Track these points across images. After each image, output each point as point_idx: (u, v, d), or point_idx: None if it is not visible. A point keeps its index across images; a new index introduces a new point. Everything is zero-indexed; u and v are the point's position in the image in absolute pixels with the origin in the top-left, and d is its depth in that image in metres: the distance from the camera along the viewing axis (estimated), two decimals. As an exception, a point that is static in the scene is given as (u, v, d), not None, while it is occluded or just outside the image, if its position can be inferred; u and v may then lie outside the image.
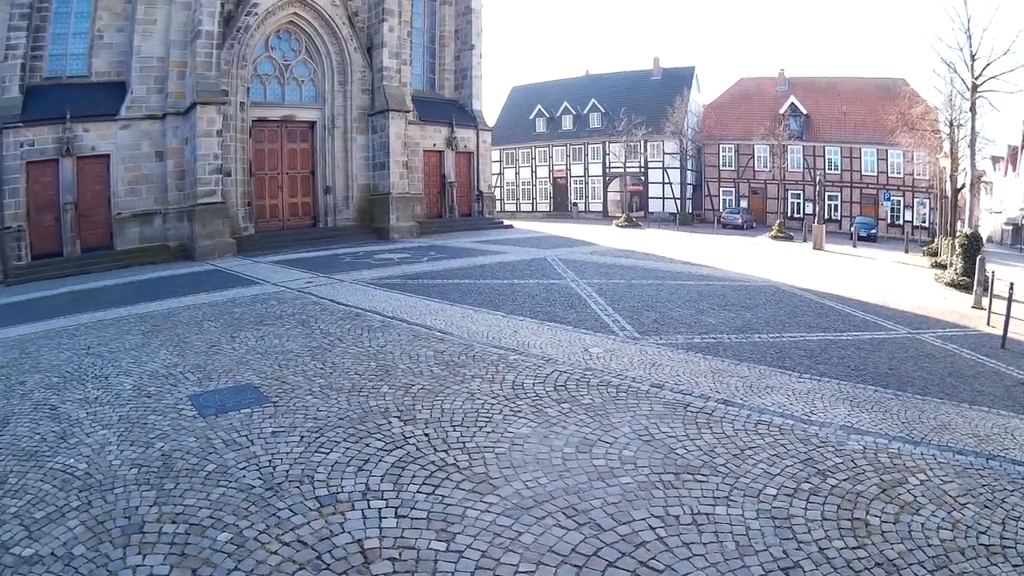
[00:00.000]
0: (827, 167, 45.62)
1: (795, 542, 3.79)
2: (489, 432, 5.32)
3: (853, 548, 3.75)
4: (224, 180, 23.41)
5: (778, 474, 4.59)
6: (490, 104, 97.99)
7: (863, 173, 45.58)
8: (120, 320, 11.32)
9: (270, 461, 4.94)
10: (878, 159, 45.21)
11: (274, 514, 4.17)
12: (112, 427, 5.84)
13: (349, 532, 3.96)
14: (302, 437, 5.35)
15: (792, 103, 47.48)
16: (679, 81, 52.92)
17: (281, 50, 26.06)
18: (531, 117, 59.30)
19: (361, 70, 26.62)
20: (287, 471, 4.75)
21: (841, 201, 46.20)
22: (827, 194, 42.90)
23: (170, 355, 8.39)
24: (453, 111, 30.94)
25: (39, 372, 8.05)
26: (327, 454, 5.04)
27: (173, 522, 4.12)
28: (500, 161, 57.62)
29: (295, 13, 25.67)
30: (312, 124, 26.63)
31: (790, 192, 46.69)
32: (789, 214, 44.38)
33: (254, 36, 24.84)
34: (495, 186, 46.43)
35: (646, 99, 51.48)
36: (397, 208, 26.27)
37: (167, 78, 23.70)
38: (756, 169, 48.85)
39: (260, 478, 4.65)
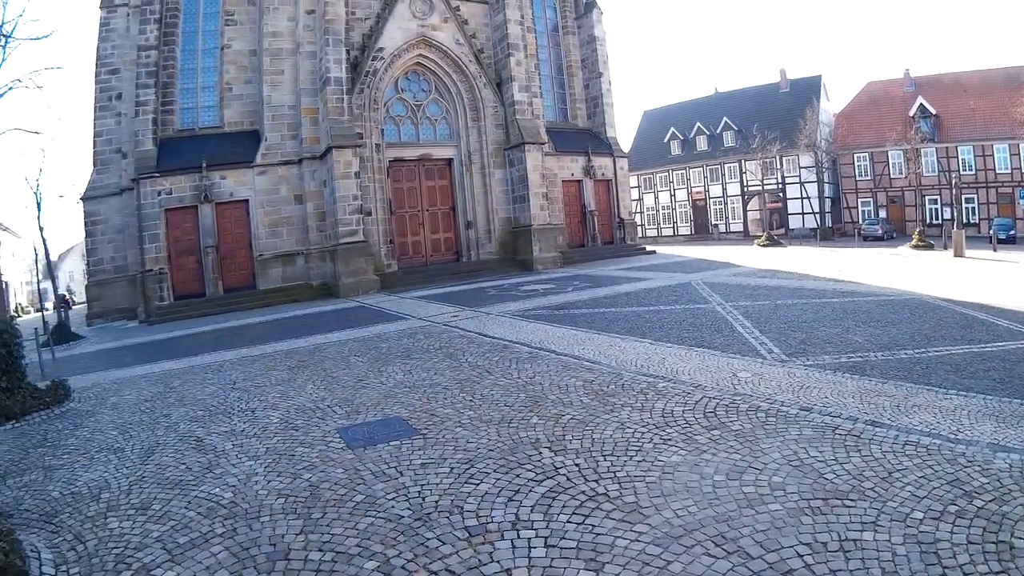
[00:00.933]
0: (961, 168, 44.47)
1: (940, 567, 3.68)
2: (639, 461, 5.39)
3: (996, 573, 3.60)
4: (365, 219, 23.17)
5: (925, 497, 4.55)
6: (623, 129, 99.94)
7: (997, 171, 43.87)
8: (265, 356, 11.79)
9: (419, 492, 5.01)
10: (1011, 155, 43.60)
11: (422, 543, 4.21)
12: (259, 458, 6.03)
13: (498, 561, 3.96)
14: (452, 468, 5.42)
15: (921, 104, 46.97)
16: (808, 91, 53.38)
17: (411, 91, 26.31)
18: (665, 140, 60.80)
19: (493, 105, 26.61)
20: (436, 501, 4.80)
21: (978, 203, 44.52)
22: (963, 196, 41.70)
23: (317, 390, 8.69)
24: (588, 140, 30.80)
25: (184, 406, 8.45)
26: (477, 485, 5.07)
27: (320, 550, 4.20)
28: (638, 187, 59.26)
29: (421, 55, 26.24)
30: (449, 161, 26.58)
31: (927, 198, 45.25)
32: (927, 220, 42.74)
33: (383, 79, 25.14)
34: (635, 212, 46.28)
35: (777, 113, 52.27)
36: (539, 239, 25.59)
37: (300, 125, 24.26)
38: (892, 177, 48.09)
39: (409, 508, 4.71)
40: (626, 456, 5.52)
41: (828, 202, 49.72)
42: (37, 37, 25.04)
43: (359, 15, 25.86)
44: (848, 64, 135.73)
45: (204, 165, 22.70)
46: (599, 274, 22.34)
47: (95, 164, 24.67)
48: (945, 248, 30.00)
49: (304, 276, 23.68)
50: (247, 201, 23.39)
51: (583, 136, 30.73)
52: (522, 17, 28.30)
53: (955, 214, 30.65)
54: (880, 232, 41.35)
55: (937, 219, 43.35)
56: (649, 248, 32.70)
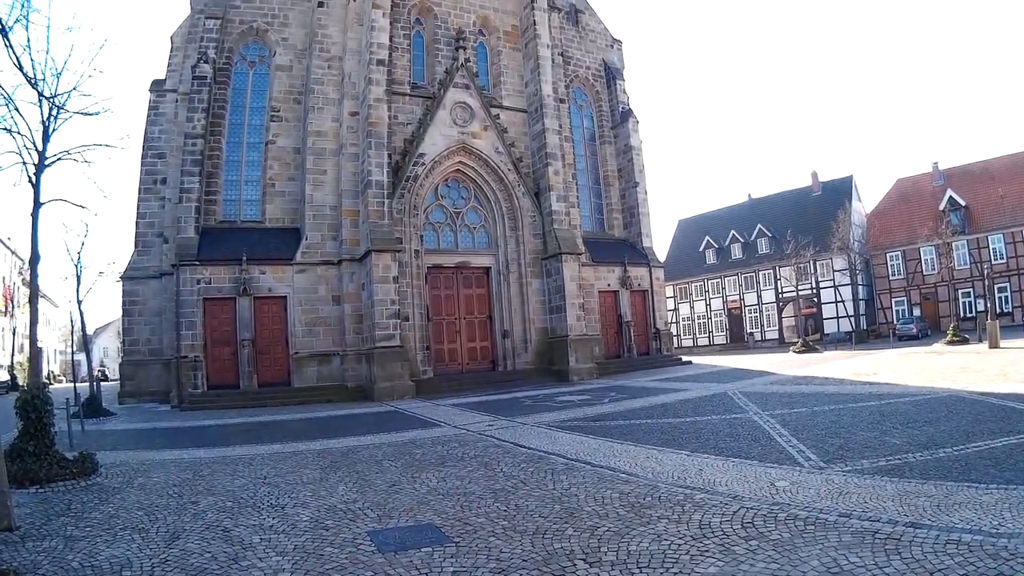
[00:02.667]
0: (992, 257, 48.05)
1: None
2: (676, 573, 5.70)
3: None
4: (402, 324, 25.73)
5: (967, 595, 4.66)
6: (658, 235, 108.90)
7: (1028, 257, 46.62)
8: (298, 454, 12.82)
9: (450, 601, 5.15)
10: (1041, 240, 46.22)
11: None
12: (287, 555, 6.50)
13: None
14: (484, 578, 5.63)
15: (950, 196, 51.02)
16: (839, 193, 57.90)
17: (451, 198, 29.83)
18: (700, 249, 66.66)
19: (531, 215, 30.16)
20: (469, 611, 4.97)
21: (1011, 291, 47.98)
22: (996, 286, 44.73)
23: (349, 491, 9.37)
24: (624, 250, 34.32)
25: (213, 495, 9.24)
26: (509, 595, 5.30)
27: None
28: (674, 296, 64.66)
29: (461, 162, 29.72)
30: (487, 270, 29.75)
31: (960, 291, 48.66)
32: (961, 314, 46.16)
33: (423, 185, 28.68)
34: (671, 322, 50.08)
35: (810, 216, 56.79)
36: (575, 350, 28.24)
37: (340, 226, 27.28)
38: (924, 274, 52.27)
39: (441, 616, 4.91)
40: (662, 568, 5.82)
41: (862, 304, 53.66)
42: (88, 112, 27.45)
43: (401, 120, 29.31)
44: (879, 158, 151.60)
45: (244, 259, 25.50)
46: (635, 385, 24.47)
47: (136, 245, 27.66)
48: (980, 340, 32.34)
49: (339, 377, 25.95)
50: (285, 298, 26.08)
51: (619, 246, 34.47)
52: (560, 126, 32.21)
53: (988, 305, 34.15)
54: (915, 331, 44.61)
55: (971, 311, 47.26)
56: (685, 358, 35.86)
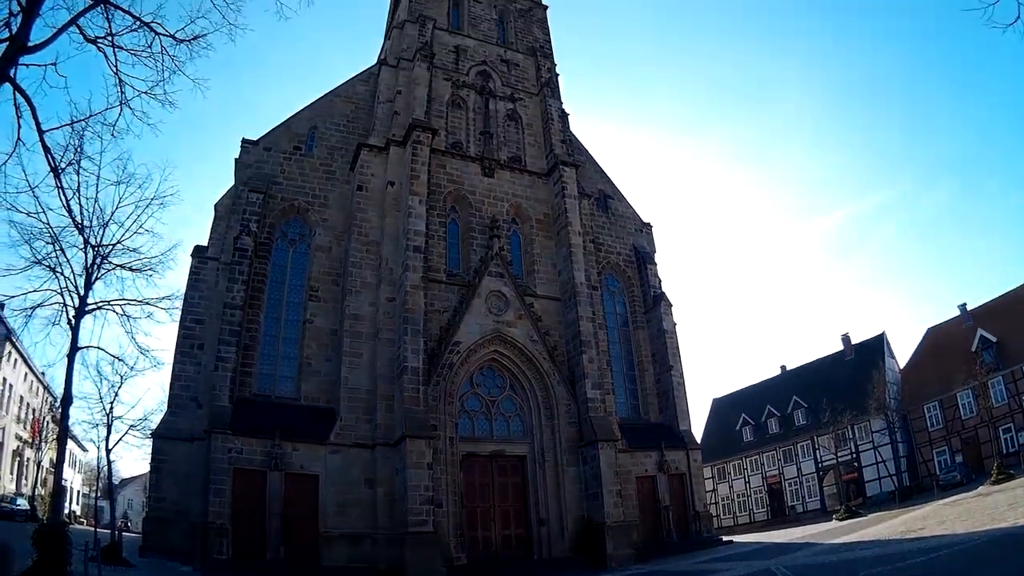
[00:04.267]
0: None
1: None
2: None
3: None
4: (435, 510, 28.24)
5: None
6: (694, 416, 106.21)
7: (1064, 382, 51.92)
8: None
9: None
10: (1075, 362, 51.55)
11: None
12: None
13: None
14: None
15: (981, 336, 54.38)
16: (872, 353, 62.73)
17: (486, 386, 33.61)
18: (737, 427, 71.77)
19: (566, 403, 33.60)
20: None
21: None
22: None
23: None
24: (660, 434, 37.36)
25: None
26: None
27: None
28: (712, 477, 68.48)
29: (496, 351, 33.61)
30: (522, 458, 32.74)
31: (1000, 428, 50.81)
32: (1004, 451, 48.49)
33: (458, 373, 32.45)
34: (710, 503, 52.84)
35: (844, 381, 60.79)
36: (613, 537, 30.60)
37: (375, 409, 30.39)
38: (963, 419, 54.65)
39: None
40: None
41: (903, 461, 56.92)
42: (132, 268, 30.53)
43: (437, 307, 33.21)
44: (910, 304, 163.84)
45: (277, 434, 28.27)
46: (675, 569, 26.53)
47: (170, 405, 30.56)
48: (1025, 474, 35.65)
49: (370, 559, 27.86)
50: (317, 476, 28.61)
51: (655, 430, 37.84)
52: (593, 314, 36.23)
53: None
54: (959, 477, 47.15)
55: (1013, 446, 49.74)
56: (725, 538, 38.66)
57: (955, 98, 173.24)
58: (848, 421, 54.49)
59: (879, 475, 57.82)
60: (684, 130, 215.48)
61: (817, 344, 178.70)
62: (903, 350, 69.34)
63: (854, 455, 59.58)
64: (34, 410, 60.65)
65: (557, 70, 44.35)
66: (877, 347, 64.42)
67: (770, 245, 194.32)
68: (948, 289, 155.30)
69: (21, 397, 57.15)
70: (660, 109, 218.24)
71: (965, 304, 60.80)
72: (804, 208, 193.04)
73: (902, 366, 64.39)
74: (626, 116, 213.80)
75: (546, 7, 48.16)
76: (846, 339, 68.44)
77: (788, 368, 75.85)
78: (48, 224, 29.75)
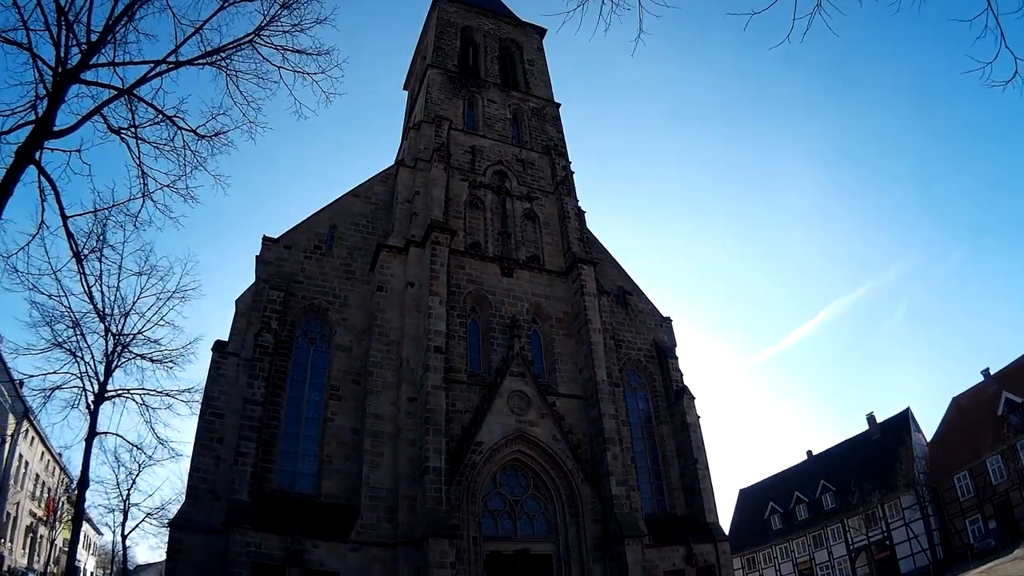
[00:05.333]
0: None
1: None
2: None
3: None
4: None
5: None
6: (721, 506, 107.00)
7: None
8: None
9: None
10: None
11: None
12: None
13: None
14: None
15: (1006, 399, 55.30)
16: (898, 430, 64.71)
17: (509, 486, 34.90)
18: (765, 516, 74.30)
19: (591, 501, 34.66)
20: None
21: None
22: None
23: None
24: (687, 528, 38.17)
25: None
26: None
27: None
28: (742, 568, 71.52)
29: (519, 451, 34.91)
30: (547, 557, 33.54)
31: None
32: None
33: (481, 473, 33.76)
34: None
35: (872, 461, 62.69)
36: None
37: (396, 508, 31.42)
38: (994, 484, 55.65)
39: None
40: None
41: (936, 534, 57.91)
42: (152, 358, 32.26)
43: (459, 407, 34.72)
44: (934, 376, 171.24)
45: (297, 530, 29.45)
46: None
47: (188, 496, 31.38)
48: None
49: None
50: (338, 573, 29.37)
51: (682, 524, 38.66)
52: (616, 411, 37.80)
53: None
54: (994, 544, 48.70)
55: None
56: None
57: (957, 162, 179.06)
58: (878, 500, 56.43)
59: (912, 551, 59.18)
60: (695, 216, 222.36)
61: (843, 425, 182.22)
62: (930, 422, 71.69)
63: (885, 534, 61.01)
64: (49, 489, 63.94)
65: (572, 167, 47.15)
66: (903, 423, 66.39)
67: (786, 331, 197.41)
68: (971, 355, 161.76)
69: (37, 475, 60.37)
70: (669, 195, 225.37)
71: (988, 369, 62.81)
72: (815, 294, 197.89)
73: (929, 439, 65.75)
74: (637, 205, 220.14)
75: (559, 105, 51.71)
76: (871, 418, 71.11)
77: (815, 453, 78.89)
78: (70, 308, 32.00)
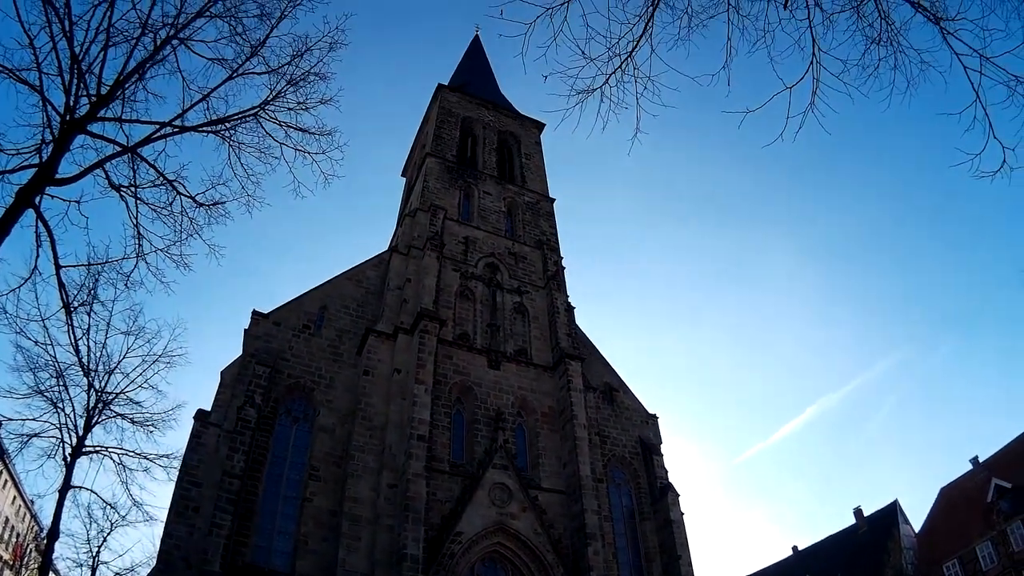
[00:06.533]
0: None
1: None
2: None
3: None
4: None
5: None
6: None
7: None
8: None
9: None
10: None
11: None
12: None
13: None
14: None
15: (995, 485, 55.30)
16: (886, 523, 64.18)
17: None
18: None
19: None
20: None
21: None
22: None
23: None
24: None
25: None
26: None
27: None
28: None
29: (499, 543, 34.16)
30: None
31: (1023, 573, 51.91)
32: None
33: (459, 563, 32.85)
34: None
35: (859, 555, 62.01)
36: None
37: None
38: (984, 571, 54.70)
39: None
40: None
41: None
42: (133, 419, 31.60)
43: (439, 497, 34.16)
44: (922, 466, 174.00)
45: None
46: None
47: (159, 561, 30.51)
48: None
49: None
50: None
51: None
52: (599, 506, 37.26)
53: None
54: None
55: None
56: None
57: (943, 255, 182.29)
58: (866, 596, 55.18)
59: (901, 651, 62.36)
60: (683, 312, 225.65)
61: (829, 520, 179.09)
62: (918, 514, 71.33)
63: (873, 630, 64.73)
64: (18, 534, 61.60)
65: (563, 263, 48.05)
66: (891, 515, 66.15)
67: (773, 428, 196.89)
68: (959, 444, 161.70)
69: (7, 519, 59.02)
70: (657, 289, 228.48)
71: (977, 456, 63.04)
72: (802, 391, 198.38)
73: (917, 530, 65.28)
74: (625, 300, 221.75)
75: (553, 200, 52.99)
76: (858, 512, 70.47)
77: (800, 548, 77.75)
78: (55, 358, 31.86)
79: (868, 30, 13.09)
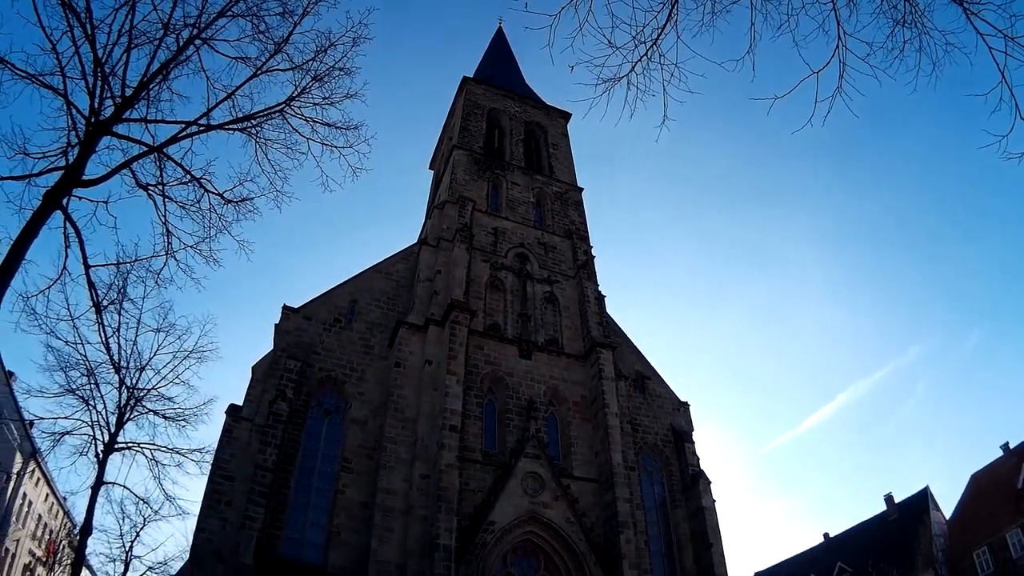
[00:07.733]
0: None
1: None
2: None
3: None
4: None
5: None
6: None
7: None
8: None
9: None
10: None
11: None
12: None
13: None
14: None
15: None
16: (916, 509, 63.53)
17: (520, 567, 33.88)
18: None
19: None
20: None
21: None
22: None
23: None
24: None
25: None
26: None
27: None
28: None
29: (531, 531, 34.30)
30: None
31: None
32: None
33: (492, 553, 33.08)
34: None
35: (890, 542, 61.73)
36: None
37: None
38: (1014, 559, 55.09)
39: None
40: None
41: None
42: (165, 415, 31.92)
43: (472, 487, 34.27)
44: (953, 453, 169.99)
45: None
46: None
47: (192, 555, 31.30)
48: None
49: None
50: None
51: None
52: (631, 495, 37.00)
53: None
54: None
55: None
56: None
57: (972, 243, 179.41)
58: (896, 583, 58.21)
59: (932, 633, 62.91)
60: (713, 300, 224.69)
61: (860, 506, 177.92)
62: (949, 500, 70.79)
63: (904, 616, 65.15)
64: (51, 531, 63.88)
65: (593, 252, 47.94)
66: (921, 502, 65.88)
67: (803, 415, 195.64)
68: (990, 431, 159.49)
69: (40, 516, 60.99)
70: (687, 278, 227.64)
71: (1008, 443, 62.28)
72: (832, 379, 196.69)
73: (948, 517, 65.06)
74: (655, 289, 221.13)
75: (581, 189, 52.85)
76: (889, 498, 70.56)
77: (831, 535, 77.86)
78: (85, 356, 32.21)
79: (892, 12, 13.04)
